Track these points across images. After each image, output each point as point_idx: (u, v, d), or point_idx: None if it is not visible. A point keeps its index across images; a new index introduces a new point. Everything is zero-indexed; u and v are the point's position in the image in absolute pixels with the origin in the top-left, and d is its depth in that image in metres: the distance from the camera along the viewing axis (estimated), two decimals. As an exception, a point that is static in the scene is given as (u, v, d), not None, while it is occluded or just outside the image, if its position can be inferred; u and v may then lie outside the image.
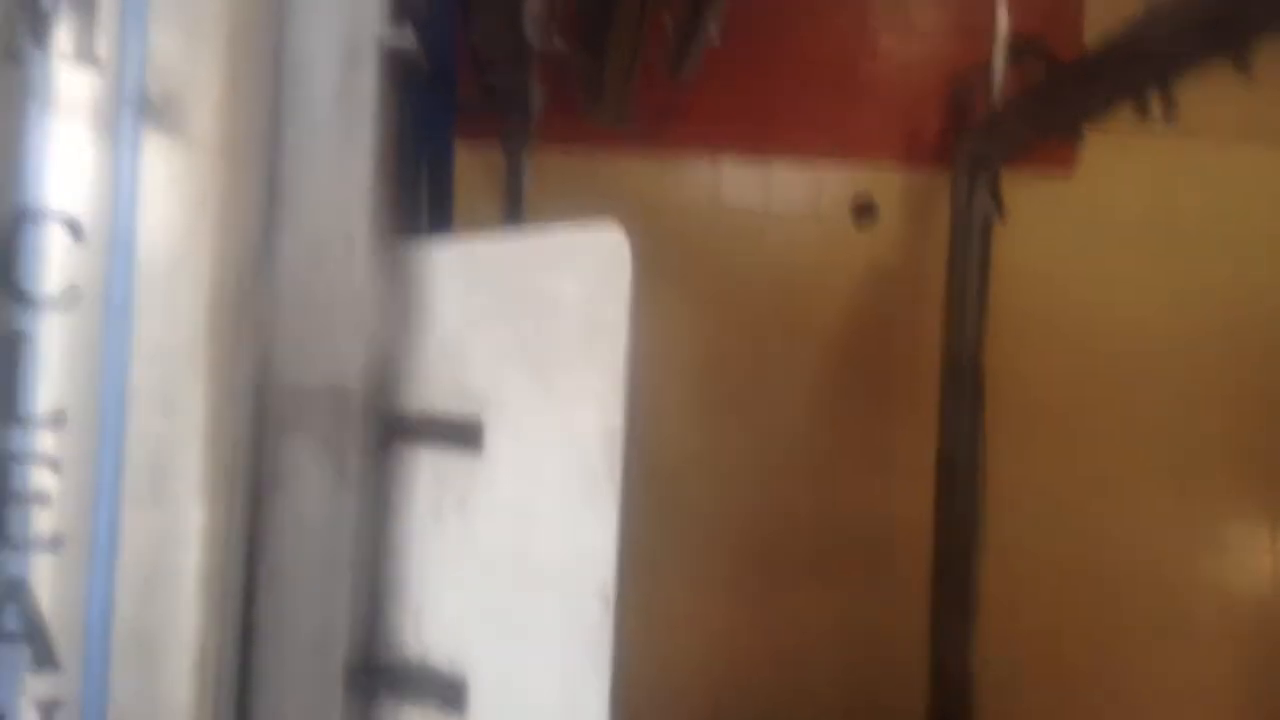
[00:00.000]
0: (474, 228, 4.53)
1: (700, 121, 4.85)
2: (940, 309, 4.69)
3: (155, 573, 1.11)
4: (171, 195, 1.11)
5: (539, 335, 1.25)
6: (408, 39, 1.30)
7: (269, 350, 1.24)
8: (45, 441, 1.05)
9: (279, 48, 1.27)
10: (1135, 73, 3.46)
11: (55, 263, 1.06)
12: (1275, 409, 4.93)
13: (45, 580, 1.06)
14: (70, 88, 1.06)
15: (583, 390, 1.19)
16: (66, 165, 1.07)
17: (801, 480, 4.90)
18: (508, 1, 3.38)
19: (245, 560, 1.21)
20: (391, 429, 1.35)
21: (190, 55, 1.13)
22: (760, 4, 4.63)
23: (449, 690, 1.25)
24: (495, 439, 1.28)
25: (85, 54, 1.06)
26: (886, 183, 4.93)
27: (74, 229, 1.06)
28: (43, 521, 1.06)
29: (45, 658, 1.06)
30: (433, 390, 1.35)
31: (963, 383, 4.64)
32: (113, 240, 1.08)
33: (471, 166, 4.58)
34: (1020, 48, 4.26)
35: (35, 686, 1.06)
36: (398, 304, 1.37)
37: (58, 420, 1.05)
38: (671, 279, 4.84)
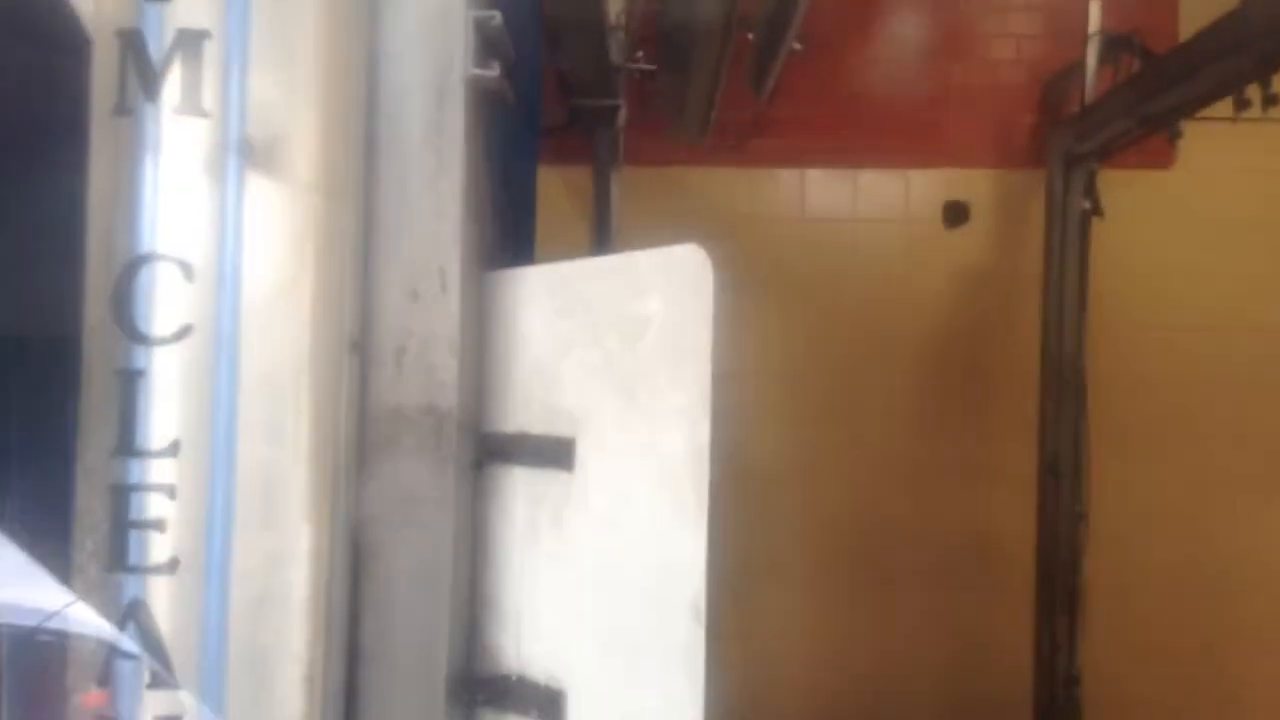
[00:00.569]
0: (563, 246, 4.61)
1: (785, 134, 4.85)
2: (1036, 310, 4.61)
3: (266, 593, 1.17)
4: (274, 233, 1.17)
5: (626, 356, 1.28)
6: (495, 77, 1.35)
7: (368, 374, 1.29)
8: (162, 470, 1.11)
9: (372, 89, 1.32)
10: (1232, 64, 3.37)
11: (168, 301, 1.12)
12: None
13: (162, 601, 1.13)
14: (179, 137, 1.13)
15: (669, 409, 1.21)
16: (176, 209, 1.13)
17: (900, 487, 4.85)
18: (593, 22, 3.43)
19: (350, 579, 1.26)
20: (487, 449, 1.39)
21: (288, 100, 1.19)
22: (840, 15, 4.61)
23: (547, 701, 1.29)
24: (586, 457, 1.31)
25: (192, 105, 1.12)
26: (978, 183, 4.87)
27: (185, 269, 1.12)
28: (160, 546, 1.12)
29: (164, 675, 1.12)
30: (525, 411, 1.39)
31: (1063, 384, 4.55)
32: (220, 278, 1.14)
33: (558, 188, 4.65)
34: (1114, 44, 4.18)
35: (155, 702, 1.12)
36: (489, 328, 1.42)
37: (173, 450, 1.11)
38: (761, 289, 4.84)
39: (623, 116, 4.34)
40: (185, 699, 1.12)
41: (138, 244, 1.12)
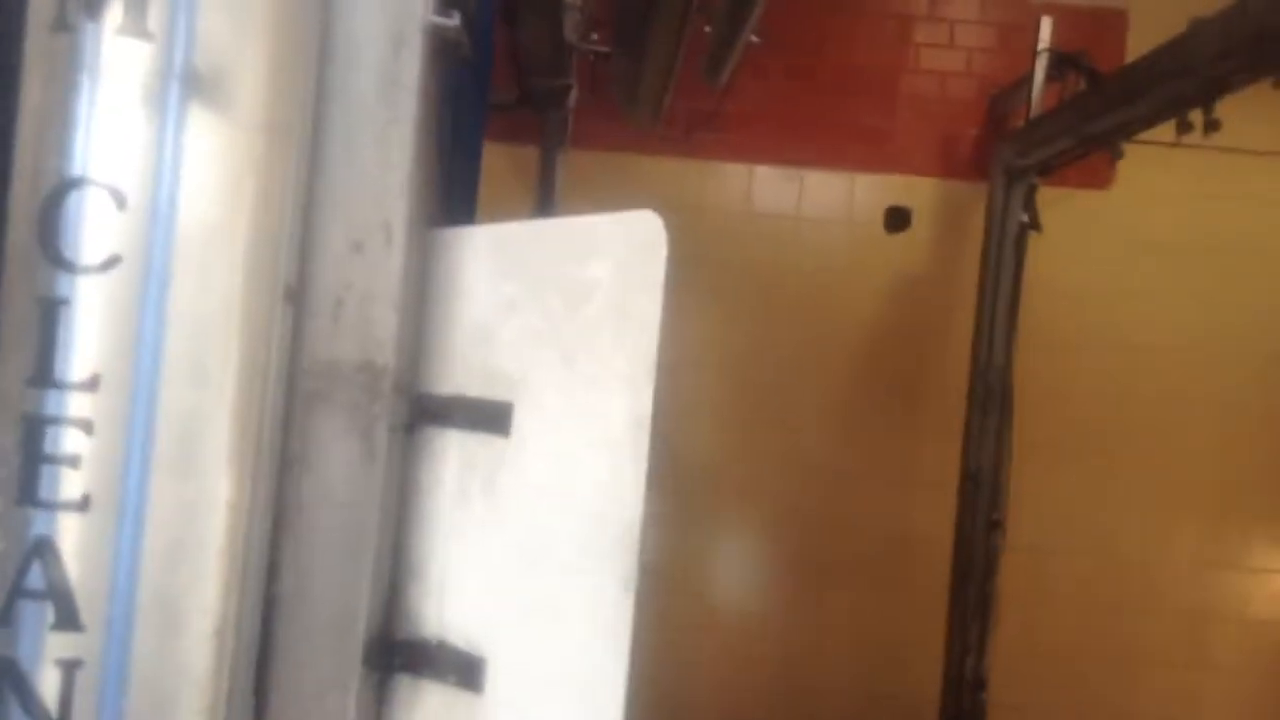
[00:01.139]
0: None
1: (735, 129, 4.86)
2: (970, 318, 4.68)
3: (180, 540, 1.12)
4: (213, 170, 1.13)
5: (570, 321, 1.25)
6: (455, 27, 1.31)
7: (303, 325, 1.25)
8: (79, 404, 1.07)
9: (326, 29, 1.28)
10: (1176, 88, 3.44)
11: (97, 230, 1.08)
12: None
13: (72, 541, 1.08)
14: (119, 59, 1.08)
15: (612, 376, 1.19)
16: (112, 135, 1.08)
17: (825, 486, 4.90)
18: (549, 1, 3.39)
19: (270, 533, 1.22)
20: (421, 410, 1.36)
21: (238, 33, 1.15)
22: (798, 16, 4.63)
23: (467, 669, 1.26)
24: (523, 423, 1.29)
25: (137, 27, 1.07)
26: (921, 191, 4.93)
27: (117, 198, 1.07)
28: (72, 483, 1.07)
29: (68, 617, 1.07)
30: (463, 373, 1.36)
31: (990, 395, 4.62)
32: (154, 210, 1.09)
33: (504, 165, 4.61)
34: (1062, 61, 4.25)
35: (57, 645, 1.08)
36: (431, 286, 1.38)
37: (92, 384, 1.07)
38: (702, 281, 4.85)
39: (574, 98, 4.31)
40: (89, 644, 1.07)
41: (69, 167, 1.07)
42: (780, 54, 4.59)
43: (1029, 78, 4.35)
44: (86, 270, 1.07)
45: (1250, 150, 4.52)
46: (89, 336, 1.08)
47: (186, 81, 1.11)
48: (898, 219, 4.89)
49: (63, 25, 1.07)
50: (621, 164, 4.87)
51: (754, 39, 3.58)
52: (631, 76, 4.01)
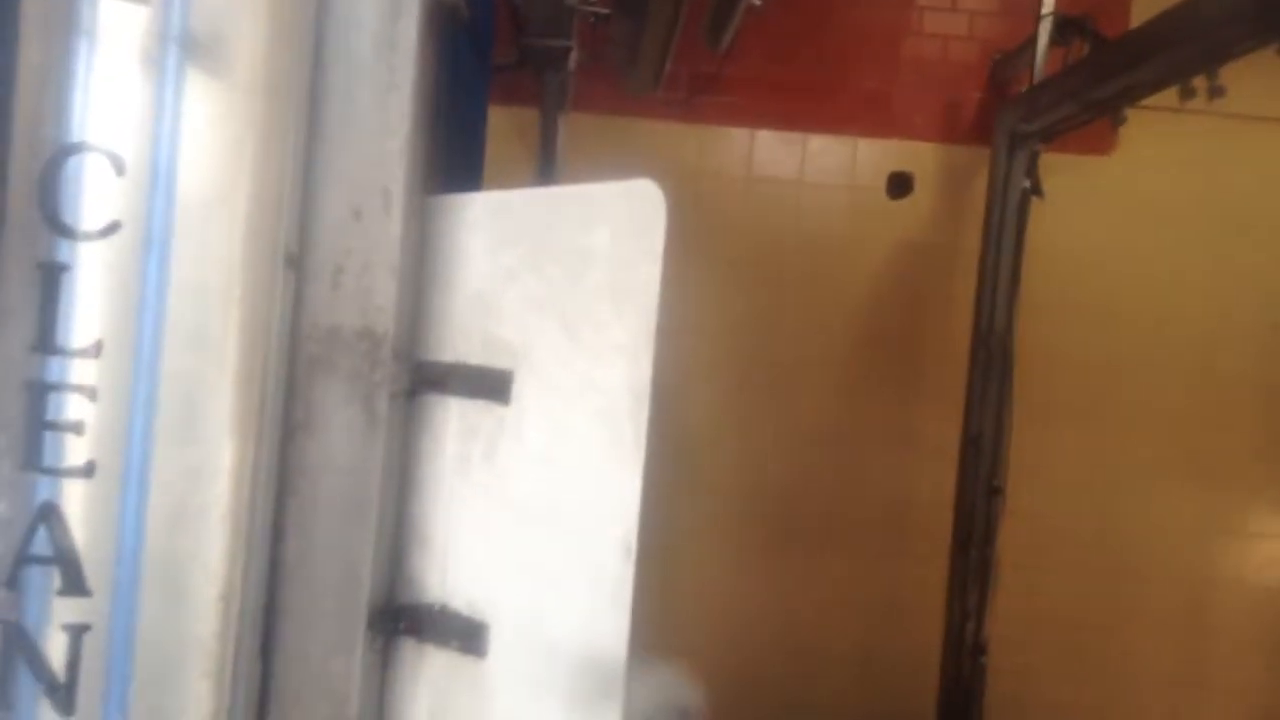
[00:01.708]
0: (506, 187, 4.55)
1: (736, 93, 4.83)
2: (972, 284, 4.67)
3: (184, 506, 1.13)
4: (212, 134, 1.12)
5: (570, 289, 1.25)
6: (448, -14, 1.30)
7: (304, 292, 1.25)
8: (82, 371, 1.07)
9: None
10: (1181, 54, 3.41)
11: (96, 195, 1.08)
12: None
13: (77, 507, 1.09)
14: (118, 23, 1.07)
15: (611, 344, 1.19)
16: (110, 100, 1.08)
17: (824, 450, 4.91)
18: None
19: (274, 498, 1.23)
20: (422, 377, 1.37)
21: (235, -4, 1.14)
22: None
23: (469, 633, 1.27)
24: (524, 390, 1.29)
25: (133, -10, 1.07)
26: (923, 156, 4.90)
27: (116, 163, 1.07)
28: (76, 449, 1.08)
29: (75, 582, 1.08)
30: (463, 341, 1.36)
31: (990, 359, 4.62)
32: (153, 176, 1.09)
33: (505, 129, 4.59)
34: (1066, 25, 4.21)
35: (64, 610, 1.09)
36: (431, 254, 1.38)
37: (95, 350, 1.07)
38: (702, 246, 4.84)
39: (574, 60, 4.27)
40: (96, 609, 1.08)
41: (67, 133, 1.06)
42: (782, 17, 4.55)
43: (1032, 42, 4.31)
44: (87, 236, 1.07)
45: (1254, 116, 4.50)
46: (90, 303, 1.08)
47: (184, 45, 1.10)
48: (900, 184, 4.87)
49: (60, -11, 1.07)
50: (622, 128, 4.84)
51: (755, 1, 3.55)
52: (632, 39, 3.98)
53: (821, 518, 4.93)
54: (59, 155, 1.07)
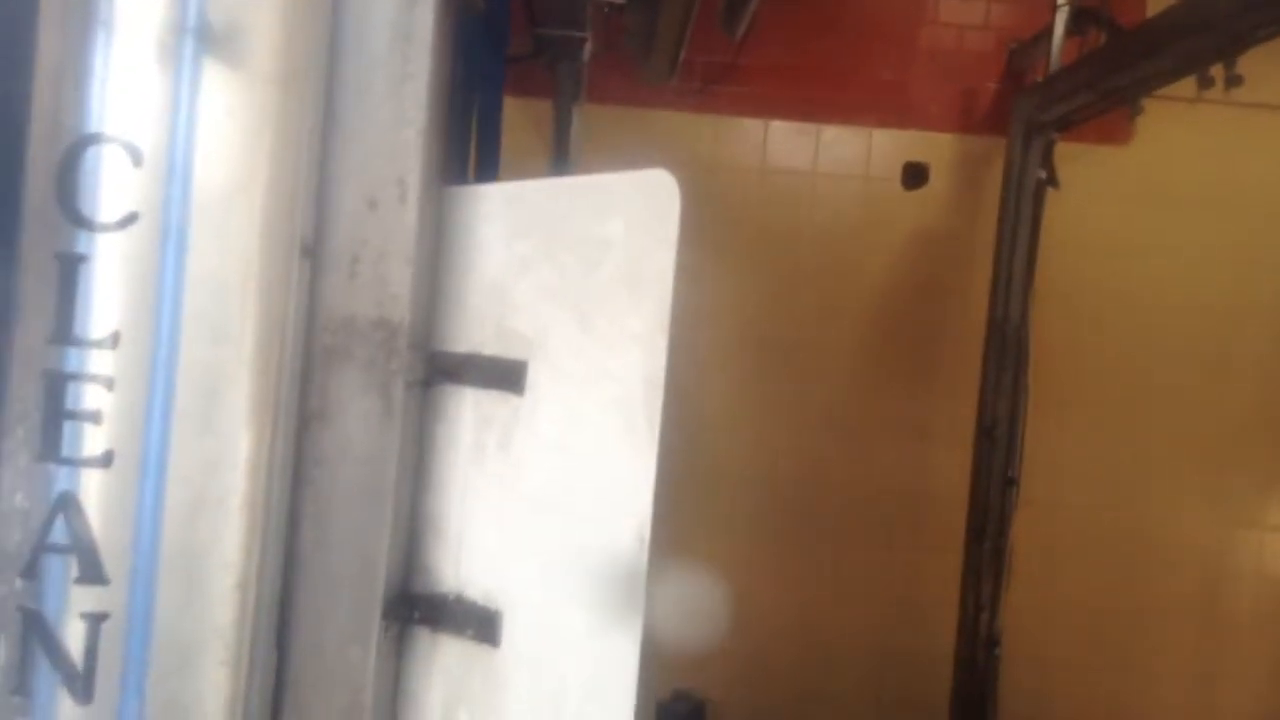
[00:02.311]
0: (521, 178, 4.55)
1: (751, 83, 4.81)
2: (988, 275, 4.66)
3: (202, 496, 1.14)
4: (229, 125, 1.13)
5: (584, 279, 1.25)
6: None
7: (319, 282, 1.26)
8: (100, 361, 1.08)
9: (336, -16, 1.27)
10: (1198, 43, 3.39)
11: (114, 187, 1.08)
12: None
13: (95, 496, 1.09)
14: (134, 14, 1.08)
15: (626, 333, 1.20)
16: (128, 91, 1.08)
17: (838, 440, 4.91)
18: (563, -50, 3.35)
19: (290, 488, 1.24)
20: (437, 367, 1.37)
21: (251, -13, 1.14)
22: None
23: (483, 622, 1.28)
24: (537, 380, 1.29)
25: (149, -19, 1.07)
26: (939, 146, 4.88)
27: (133, 154, 1.08)
28: (94, 439, 1.08)
29: (93, 571, 1.09)
30: (478, 331, 1.37)
31: (1005, 351, 4.60)
32: (170, 167, 1.09)
33: (519, 120, 4.58)
34: (1082, 15, 4.19)
35: (82, 599, 1.09)
36: (446, 244, 1.39)
37: (113, 341, 1.08)
38: (717, 236, 4.83)
39: (589, 50, 4.27)
40: (114, 598, 1.09)
41: (85, 124, 1.07)
42: (797, 6, 4.54)
43: (1049, 31, 4.29)
44: (104, 228, 1.08)
45: (1271, 105, 4.47)
46: (109, 294, 1.08)
47: (201, 36, 1.11)
48: (915, 175, 4.85)
49: (77, -19, 1.07)
50: (637, 119, 4.83)
51: (769, -8, 3.55)
52: (646, 29, 3.98)
53: (835, 508, 4.93)
54: (76, 146, 1.07)
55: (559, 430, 1.27)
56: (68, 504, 1.08)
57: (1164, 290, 4.79)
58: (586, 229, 1.26)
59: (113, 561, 1.10)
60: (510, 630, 1.28)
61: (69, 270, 1.07)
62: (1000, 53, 4.81)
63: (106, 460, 1.08)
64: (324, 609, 1.25)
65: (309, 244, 1.25)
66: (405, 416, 1.29)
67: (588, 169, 4.71)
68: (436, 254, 1.37)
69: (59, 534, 1.08)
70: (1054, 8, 4.24)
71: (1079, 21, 4.20)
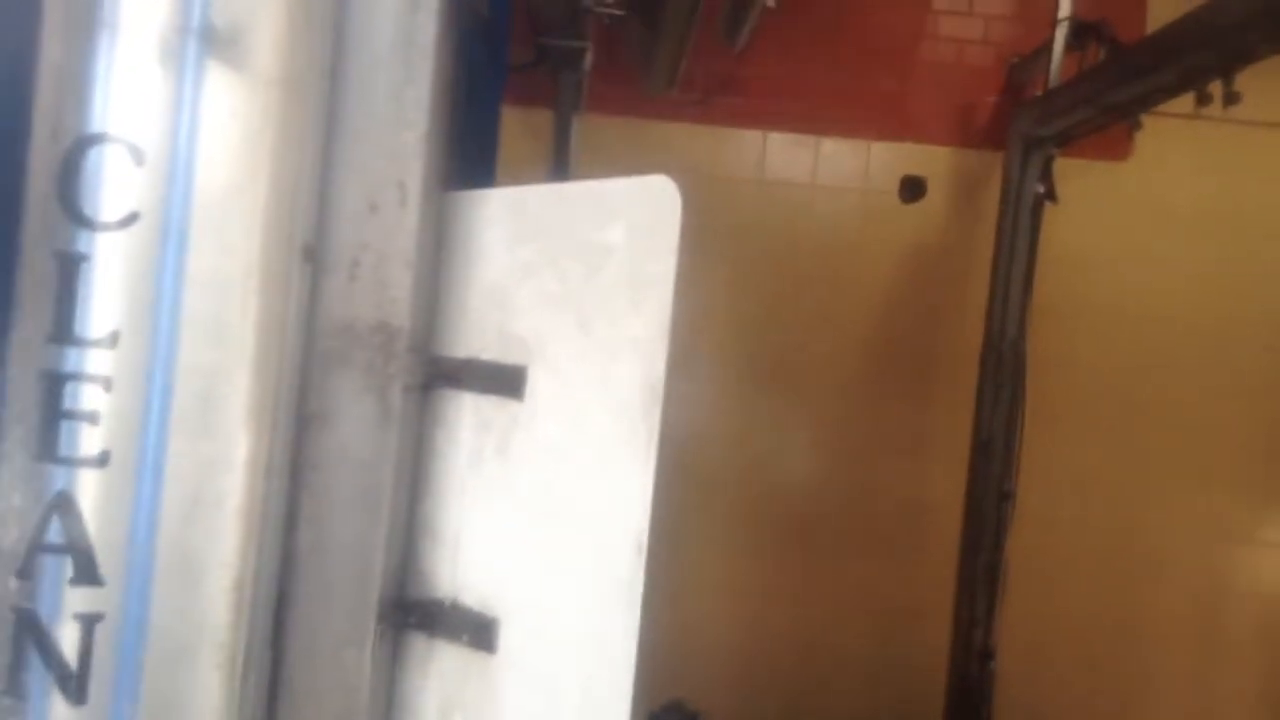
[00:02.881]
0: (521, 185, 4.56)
1: (751, 94, 4.82)
2: (985, 290, 4.66)
3: (199, 496, 1.13)
4: (231, 126, 1.13)
5: (585, 284, 1.25)
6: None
7: (320, 284, 1.26)
8: (99, 361, 1.07)
9: (341, -12, 1.27)
10: (1197, 59, 3.39)
11: (116, 186, 1.08)
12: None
13: (91, 497, 1.09)
14: (138, 14, 1.08)
15: (626, 340, 1.19)
16: (131, 91, 1.08)
17: (834, 455, 4.90)
18: (565, -39, 3.36)
19: (287, 490, 1.23)
20: (436, 371, 1.37)
21: (255, -11, 1.14)
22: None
23: (480, 628, 1.28)
24: (537, 386, 1.29)
25: (153, -18, 1.07)
26: (937, 160, 4.89)
27: (135, 154, 1.08)
28: (91, 439, 1.08)
29: (88, 572, 1.09)
30: (478, 336, 1.36)
31: (1002, 365, 4.60)
32: (172, 168, 1.09)
33: (519, 128, 4.59)
34: (1082, 30, 4.20)
35: (76, 599, 1.09)
36: (447, 249, 1.39)
37: (111, 341, 1.07)
38: (715, 248, 4.84)
39: (589, 60, 4.28)
40: (109, 598, 1.09)
41: (87, 123, 1.07)
42: (797, 18, 4.55)
43: (1048, 46, 4.30)
44: (106, 227, 1.08)
45: (1269, 123, 4.48)
46: (108, 293, 1.08)
47: (204, 37, 1.11)
48: (913, 188, 4.86)
49: (81, -19, 1.07)
50: (636, 129, 4.84)
51: (769, 3, 3.55)
52: (647, 39, 3.98)
53: (832, 520, 4.92)
54: (79, 145, 1.07)
55: (558, 436, 1.27)
56: (64, 504, 1.07)
57: (1161, 306, 4.79)
58: (588, 235, 1.26)
59: (108, 562, 1.09)
60: (506, 636, 1.27)
61: (69, 269, 1.07)
62: (1000, 67, 4.82)
63: (103, 460, 1.08)
64: (321, 611, 1.25)
65: (310, 246, 1.25)
66: (403, 420, 1.29)
67: (586, 178, 4.73)
68: (437, 258, 1.37)
69: (54, 534, 1.08)
70: (1054, 23, 4.25)
71: (1079, 37, 4.21)
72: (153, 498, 1.10)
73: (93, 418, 1.08)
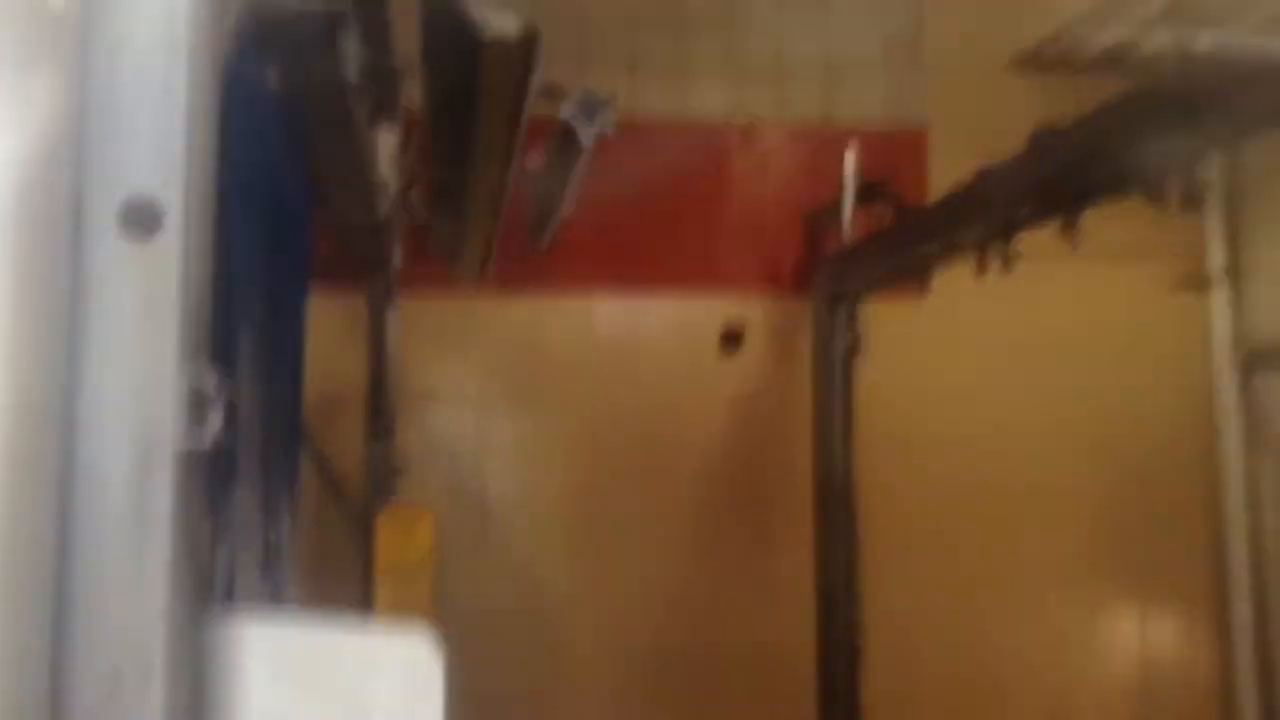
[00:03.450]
0: (340, 378, 4.48)
1: (568, 262, 4.88)
2: (810, 433, 4.78)
3: None
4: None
5: (351, 739, 1.22)
6: (206, 437, 1.27)
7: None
8: None
9: (67, 443, 1.22)
10: (974, 229, 3.60)
11: None
12: (1137, 505, 5.12)
13: None
14: None
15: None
16: None
17: (682, 611, 4.91)
18: (361, 179, 3.35)
19: None
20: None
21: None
22: (620, 153, 4.69)
23: None
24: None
25: None
26: (753, 310, 5.02)
27: None
28: None
29: None
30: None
31: (835, 505, 4.72)
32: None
33: (334, 317, 4.52)
34: (868, 190, 4.41)
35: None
36: (208, 691, 1.33)
37: None
38: (543, 415, 4.85)
39: (398, 259, 4.27)
40: None
41: None
42: (602, 207, 4.63)
43: (839, 203, 4.50)
44: None
45: (1058, 254, 4.76)
46: None
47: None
48: (732, 339, 4.98)
49: None
50: (456, 309, 4.84)
51: (567, 213, 3.61)
52: (453, 240, 4.00)
53: (685, 673, 4.91)
54: None
55: None
56: None
57: (977, 430, 4.99)
58: (351, 686, 1.23)
59: None
60: None
61: None
62: (796, 221, 5.00)
63: None
64: None
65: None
66: None
67: (413, 359, 4.69)
68: (194, 706, 1.31)
69: None
70: (841, 184, 4.46)
71: (865, 197, 4.42)
72: None
73: None
